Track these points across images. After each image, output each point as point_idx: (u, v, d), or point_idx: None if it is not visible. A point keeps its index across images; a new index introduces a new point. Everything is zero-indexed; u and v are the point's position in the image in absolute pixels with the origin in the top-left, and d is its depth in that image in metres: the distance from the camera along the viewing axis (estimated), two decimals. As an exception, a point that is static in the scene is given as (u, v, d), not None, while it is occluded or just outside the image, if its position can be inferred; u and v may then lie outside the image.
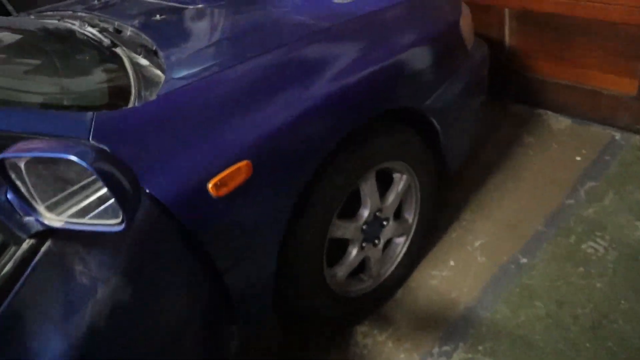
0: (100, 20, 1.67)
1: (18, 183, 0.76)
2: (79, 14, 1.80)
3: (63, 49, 1.41)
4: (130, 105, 1.09)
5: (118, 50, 1.38)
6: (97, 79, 1.20)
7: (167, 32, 1.46)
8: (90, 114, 1.00)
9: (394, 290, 1.82)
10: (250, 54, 1.26)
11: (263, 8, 1.57)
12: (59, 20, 1.70)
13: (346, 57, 1.38)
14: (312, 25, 1.44)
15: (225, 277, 1.20)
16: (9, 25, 1.69)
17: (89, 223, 0.82)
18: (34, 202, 0.79)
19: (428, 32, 1.60)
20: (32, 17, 1.93)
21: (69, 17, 1.75)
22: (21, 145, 0.75)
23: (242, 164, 1.12)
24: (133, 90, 1.15)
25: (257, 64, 1.25)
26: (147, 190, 1.02)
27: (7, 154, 0.73)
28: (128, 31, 1.53)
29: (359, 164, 1.45)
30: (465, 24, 1.77)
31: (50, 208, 0.80)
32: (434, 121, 1.62)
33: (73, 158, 0.70)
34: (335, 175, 1.39)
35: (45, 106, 0.99)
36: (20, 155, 0.73)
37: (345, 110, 1.34)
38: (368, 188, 1.52)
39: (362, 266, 1.69)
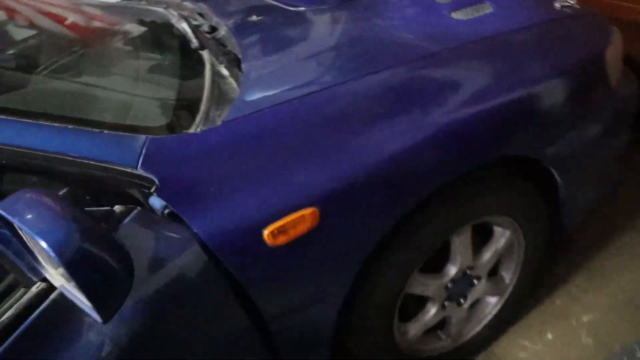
0: (200, 14, 1.57)
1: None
2: (185, 3, 1.73)
3: (152, 48, 1.33)
4: (192, 128, 0.96)
5: (204, 54, 1.26)
6: (168, 91, 1.10)
7: (257, 37, 1.32)
8: (143, 138, 0.89)
9: (474, 354, 1.58)
10: (338, 78, 1.08)
11: (368, 19, 1.37)
12: (165, 8, 1.63)
13: (459, 89, 1.15)
14: (421, 47, 1.22)
15: (272, 325, 1.06)
16: (113, 12, 1.65)
17: (75, 295, 0.70)
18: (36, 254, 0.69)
19: (563, 64, 1.30)
20: (144, 1, 1.90)
21: (175, 6, 1.68)
22: (9, 201, 0.65)
23: (308, 211, 0.96)
24: (201, 109, 1.02)
25: (345, 92, 1.06)
26: (194, 230, 0.90)
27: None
28: (222, 31, 1.42)
29: (454, 218, 1.22)
30: (613, 54, 1.44)
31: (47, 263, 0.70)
32: (555, 172, 1.34)
33: (43, 244, 0.58)
34: (423, 228, 1.18)
35: (100, 125, 0.89)
36: (4, 215, 0.63)
37: (450, 155, 1.12)
38: (460, 244, 1.29)
39: (440, 322, 1.47)
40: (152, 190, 0.88)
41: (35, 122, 0.85)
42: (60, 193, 0.92)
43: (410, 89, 1.13)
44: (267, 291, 1.00)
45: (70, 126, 0.86)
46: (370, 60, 1.16)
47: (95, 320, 0.67)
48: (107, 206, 0.92)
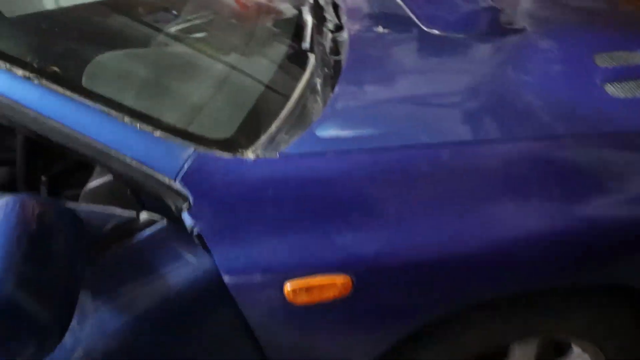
0: (335, 6, 1.46)
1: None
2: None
3: (264, 39, 1.26)
4: (250, 150, 0.87)
5: (310, 60, 1.16)
6: (249, 97, 1.02)
7: (371, 54, 1.19)
8: (190, 150, 0.83)
9: None
10: (435, 137, 0.91)
11: (504, 66, 1.14)
12: None
13: (587, 190, 0.91)
14: (554, 123, 0.96)
15: None
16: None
17: None
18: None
19: None
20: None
21: None
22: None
23: (340, 278, 0.84)
24: (272, 129, 0.93)
25: (437, 156, 0.89)
26: (215, 261, 0.84)
27: None
28: (345, 34, 1.30)
29: (519, 330, 1.04)
30: None
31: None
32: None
33: None
34: (479, 329, 1.01)
35: (157, 124, 0.85)
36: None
37: (546, 267, 0.91)
38: (521, 354, 1.09)
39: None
40: (185, 206, 0.82)
41: (94, 105, 0.82)
42: (103, 180, 0.91)
43: (522, 172, 0.91)
44: (275, 341, 0.92)
45: (127, 118, 0.83)
46: (479, 123, 0.98)
47: None
48: (149, 205, 0.89)
